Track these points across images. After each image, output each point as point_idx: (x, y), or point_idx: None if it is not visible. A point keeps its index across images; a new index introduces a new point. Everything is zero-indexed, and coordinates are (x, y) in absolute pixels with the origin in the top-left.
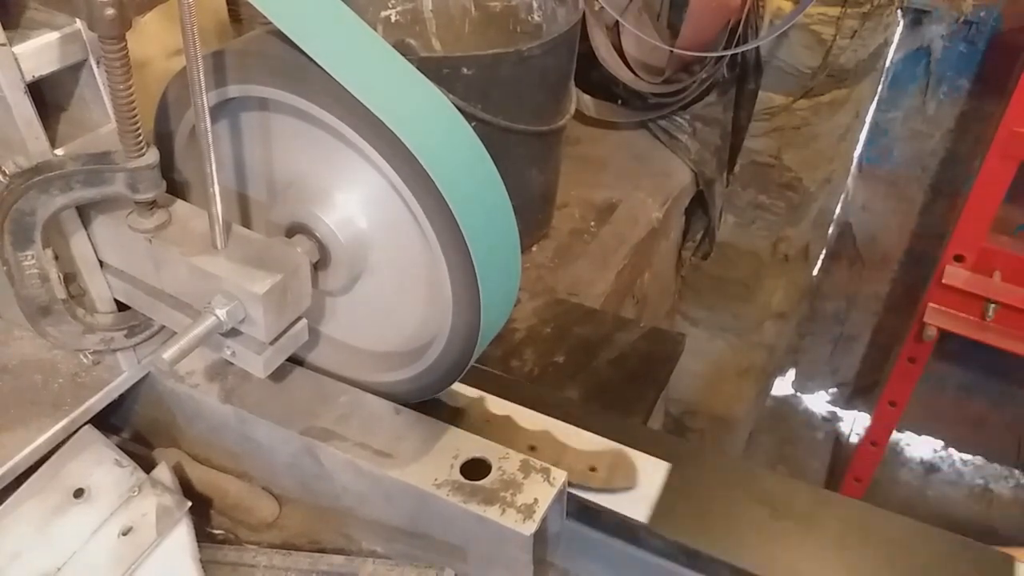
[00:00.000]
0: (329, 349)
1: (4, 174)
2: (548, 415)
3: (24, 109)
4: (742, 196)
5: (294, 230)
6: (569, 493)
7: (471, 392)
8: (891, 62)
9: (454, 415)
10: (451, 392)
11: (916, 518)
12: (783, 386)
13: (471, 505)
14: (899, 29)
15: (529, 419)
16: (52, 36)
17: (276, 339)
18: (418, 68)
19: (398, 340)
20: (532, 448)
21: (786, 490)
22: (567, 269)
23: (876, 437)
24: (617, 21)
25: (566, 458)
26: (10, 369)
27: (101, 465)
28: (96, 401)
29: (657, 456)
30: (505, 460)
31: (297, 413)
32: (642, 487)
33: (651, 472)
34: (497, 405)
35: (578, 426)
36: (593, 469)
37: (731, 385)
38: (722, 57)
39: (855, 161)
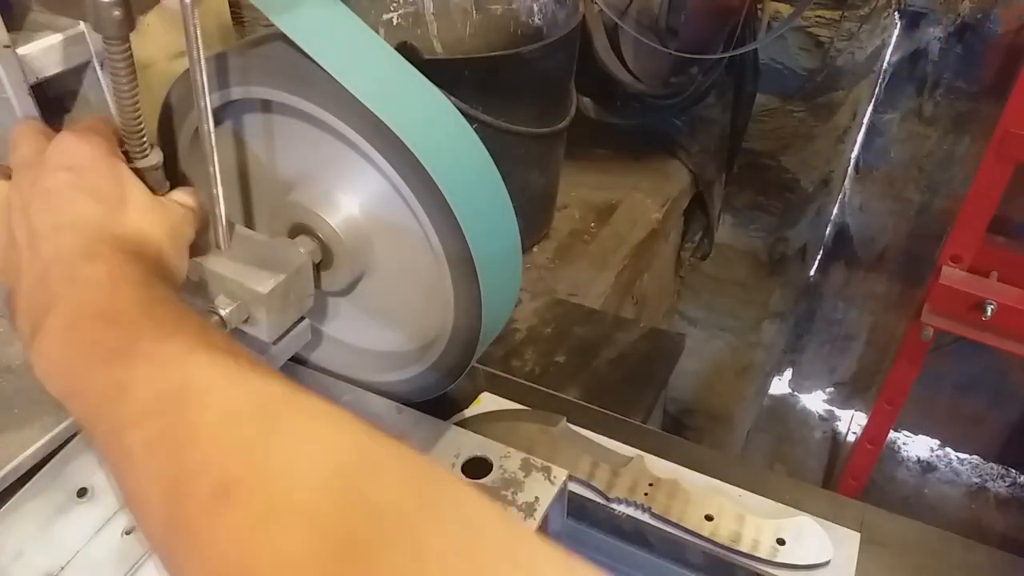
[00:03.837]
0: (331, 349)
1: (9, 177)
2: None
3: (28, 110)
4: (740, 197)
5: (297, 230)
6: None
7: (629, 451)
8: (888, 64)
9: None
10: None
11: (913, 517)
12: (781, 385)
13: None
14: (896, 31)
15: (696, 482)
16: (56, 38)
17: (279, 339)
18: (420, 70)
19: (400, 340)
20: (709, 518)
21: (987, 558)
22: (567, 269)
23: (873, 436)
24: (616, 24)
25: (748, 530)
26: (13, 369)
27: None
28: None
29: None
30: (506, 459)
31: None
32: (836, 563)
33: (841, 542)
34: (660, 467)
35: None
36: (780, 542)
37: (729, 384)
38: (720, 59)
39: (852, 162)
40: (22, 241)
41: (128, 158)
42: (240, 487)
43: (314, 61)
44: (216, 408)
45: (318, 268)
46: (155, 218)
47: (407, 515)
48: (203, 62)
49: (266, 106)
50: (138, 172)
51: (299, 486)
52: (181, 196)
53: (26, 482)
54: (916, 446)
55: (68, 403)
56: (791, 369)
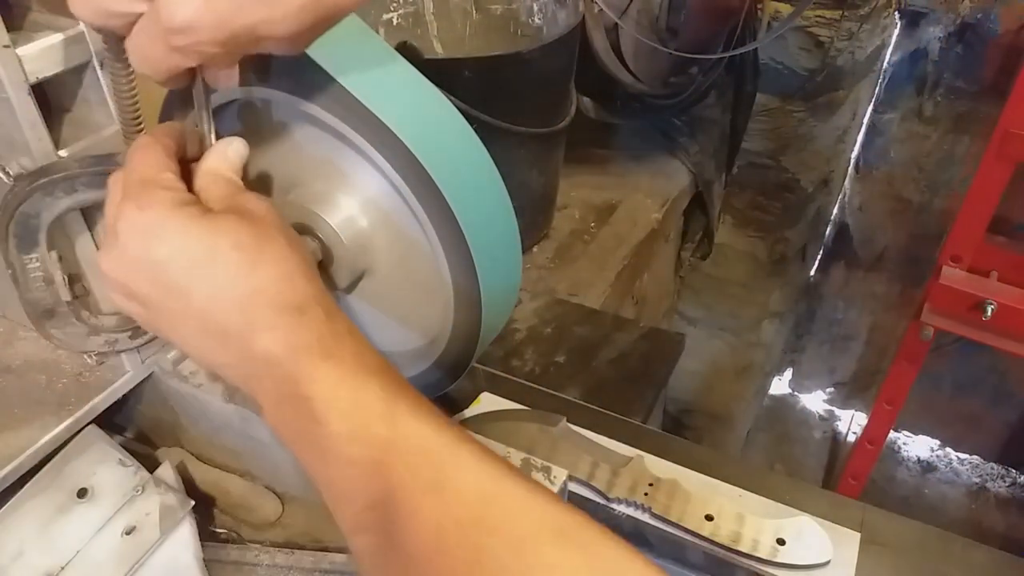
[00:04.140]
0: None
1: (8, 175)
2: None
3: (28, 110)
4: (740, 197)
5: (297, 230)
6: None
7: (629, 451)
8: (888, 64)
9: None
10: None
11: (913, 517)
12: (780, 385)
13: None
14: (896, 31)
15: (696, 482)
16: (56, 38)
17: None
18: (420, 71)
19: (400, 340)
20: (709, 518)
21: (987, 558)
22: (567, 269)
23: (873, 436)
24: (616, 24)
25: (749, 530)
26: (14, 369)
27: (104, 464)
28: (100, 401)
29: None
30: (506, 459)
31: None
32: (836, 564)
33: (841, 543)
34: (660, 467)
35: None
36: (780, 542)
37: (729, 384)
38: (720, 59)
39: (852, 162)
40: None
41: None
42: None
43: (314, 61)
44: (423, 532)
45: (318, 268)
46: (260, 239)
47: None
48: None
49: (265, 106)
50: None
51: None
52: (217, 179)
53: (26, 482)
54: (916, 446)
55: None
56: (791, 369)
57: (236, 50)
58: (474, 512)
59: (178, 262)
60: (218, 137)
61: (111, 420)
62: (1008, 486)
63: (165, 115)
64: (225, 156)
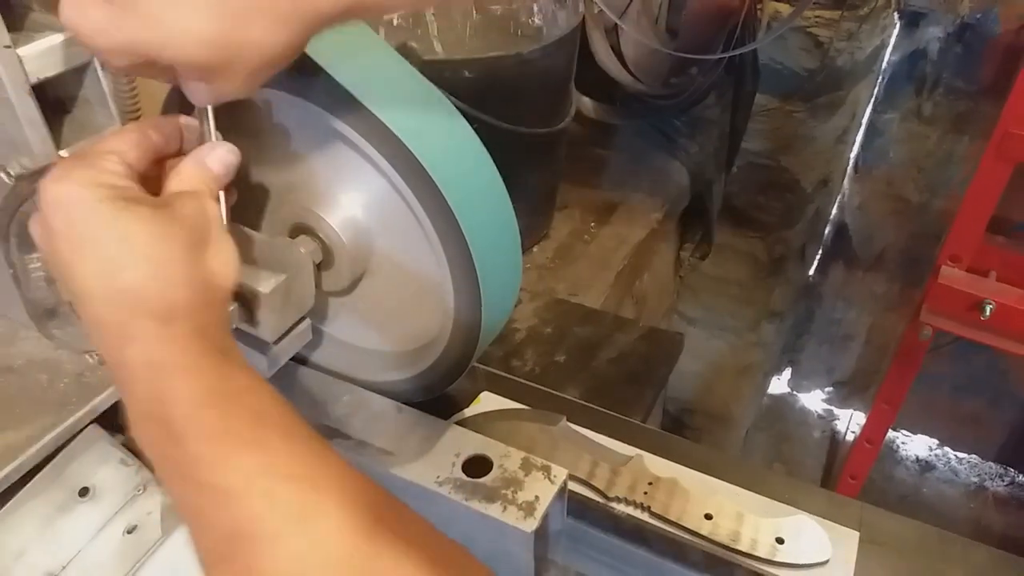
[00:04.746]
0: (332, 349)
1: (9, 175)
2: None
3: (29, 111)
4: (740, 197)
5: (297, 230)
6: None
7: (629, 450)
8: (888, 64)
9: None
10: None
11: (912, 516)
12: (780, 385)
13: (472, 503)
14: (896, 31)
15: (695, 481)
16: (56, 38)
17: (280, 339)
18: (420, 71)
19: (400, 340)
20: (708, 517)
21: (986, 558)
22: (567, 269)
23: (872, 435)
24: (616, 24)
25: (748, 529)
26: (15, 369)
27: (106, 464)
28: (101, 400)
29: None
30: (506, 458)
31: (300, 412)
32: (835, 563)
33: (840, 542)
34: (659, 466)
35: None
36: (779, 541)
37: (728, 384)
38: (720, 60)
39: (851, 162)
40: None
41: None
42: None
43: (314, 61)
44: (284, 563)
45: (319, 268)
46: (166, 245)
47: None
48: None
49: (266, 106)
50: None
51: None
52: (181, 182)
53: (27, 482)
54: (915, 445)
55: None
56: (790, 368)
57: (144, 66)
58: (338, 554)
59: (67, 236)
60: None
61: (113, 420)
62: (1006, 485)
63: (166, 115)
64: (201, 162)
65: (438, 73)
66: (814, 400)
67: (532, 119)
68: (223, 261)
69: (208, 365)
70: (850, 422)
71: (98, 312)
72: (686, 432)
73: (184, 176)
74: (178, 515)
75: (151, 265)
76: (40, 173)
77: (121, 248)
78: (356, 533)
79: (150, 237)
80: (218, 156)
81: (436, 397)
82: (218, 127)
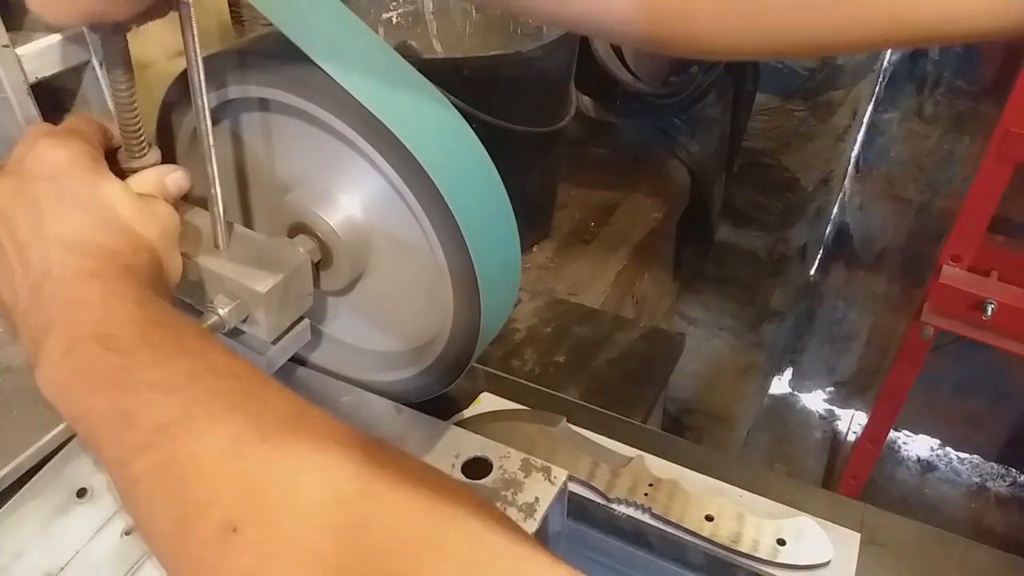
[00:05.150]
0: (331, 349)
1: None
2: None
3: (28, 110)
4: (740, 197)
5: (296, 230)
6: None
7: (629, 451)
8: (888, 63)
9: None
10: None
11: (913, 517)
12: (781, 385)
13: None
14: None
15: (696, 482)
16: (55, 38)
17: (279, 339)
18: (419, 70)
19: (399, 340)
20: (709, 518)
21: (988, 558)
22: (567, 269)
23: (873, 436)
24: None
25: (749, 530)
26: (13, 369)
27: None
28: None
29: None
30: (506, 459)
31: None
32: (836, 564)
33: (842, 543)
34: (660, 467)
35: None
36: (781, 542)
37: (729, 384)
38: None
39: (852, 162)
40: (11, 255)
41: (126, 158)
42: (245, 525)
43: (312, 60)
44: (218, 438)
45: (317, 268)
46: (143, 220)
47: (409, 551)
48: (200, 61)
49: (264, 105)
50: (136, 172)
51: (302, 523)
52: (144, 185)
53: (26, 482)
54: (916, 446)
55: (75, 426)
56: (791, 369)
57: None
58: (280, 422)
59: (50, 189)
60: (211, 143)
61: None
62: (1008, 485)
63: (164, 115)
64: (162, 175)
65: (437, 72)
66: (815, 400)
67: (532, 118)
68: (172, 264)
69: (163, 306)
70: (851, 422)
71: (59, 257)
72: (687, 432)
73: (144, 181)
74: (85, 439)
75: (125, 230)
76: None
77: (107, 209)
78: (297, 416)
79: (123, 194)
80: (175, 177)
81: (435, 398)
82: (215, 125)
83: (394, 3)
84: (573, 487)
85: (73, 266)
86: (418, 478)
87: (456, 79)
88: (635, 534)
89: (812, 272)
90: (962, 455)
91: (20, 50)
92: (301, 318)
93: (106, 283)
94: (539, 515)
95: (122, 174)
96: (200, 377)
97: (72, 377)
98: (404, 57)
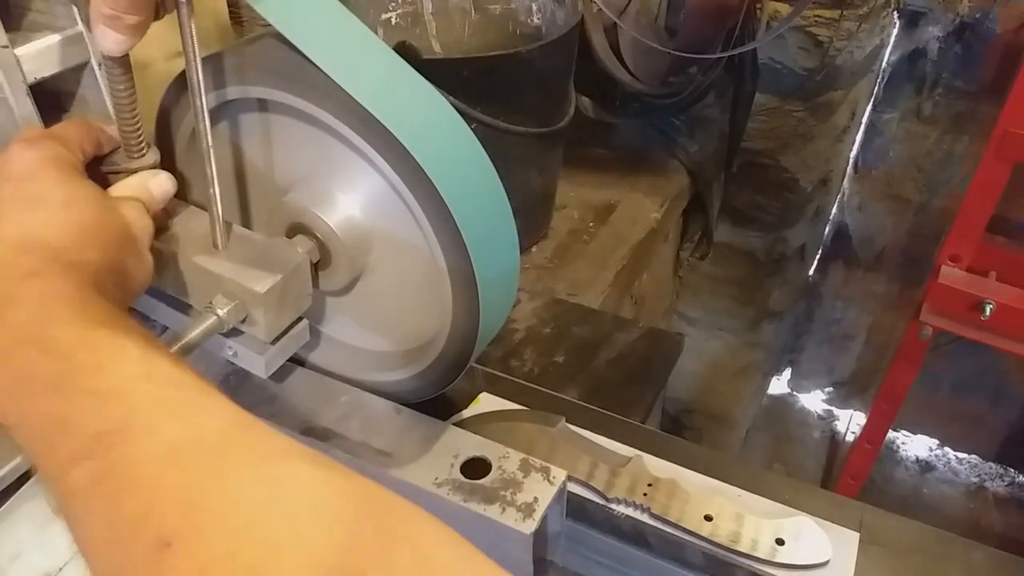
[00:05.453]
0: (330, 349)
1: None
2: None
3: (26, 110)
4: (739, 197)
5: (295, 230)
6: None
7: (628, 451)
8: (887, 63)
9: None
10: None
11: (912, 517)
12: (779, 385)
13: (471, 504)
14: (895, 30)
15: (695, 482)
16: (54, 38)
17: (277, 339)
18: (418, 70)
19: (398, 340)
20: (708, 518)
21: (986, 558)
22: (566, 269)
23: (872, 436)
24: (615, 23)
25: (748, 530)
26: None
27: None
28: None
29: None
30: (505, 459)
31: (298, 413)
32: (835, 563)
33: (840, 543)
34: (659, 467)
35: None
36: (780, 542)
37: (728, 384)
38: (720, 59)
39: (851, 162)
40: None
41: (125, 158)
42: (181, 542)
43: (311, 61)
44: (156, 448)
45: (316, 268)
46: (101, 220)
47: (356, 566)
48: (199, 62)
49: (263, 105)
50: (135, 172)
51: (240, 538)
52: (125, 189)
53: (25, 483)
54: (915, 446)
55: (13, 434)
56: (790, 369)
57: None
58: (216, 435)
59: (14, 189)
60: (210, 144)
61: None
62: (1007, 485)
63: (163, 115)
64: (145, 180)
65: (436, 72)
66: (814, 400)
67: (531, 118)
68: (137, 267)
69: (105, 308)
70: (850, 422)
71: (6, 256)
72: (686, 432)
73: (127, 185)
74: (23, 448)
75: (79, 228)
76: None
77: (63, 207)
78: (238, 427)
79: (84, 192)
80: (159, 181)
81: (434, 398)
82: (214, 125)
83: (393, 3)
84: (572, 487)
85: (13, 265)
86: (367, 491)
87: (455, 79)
88: (634, 534)
89: (811, 272)
90: (960, 455)
91: (19, 50)
92: (300, 318)
93: (45, 282)
94: (538, 515)
95: (114, 176)
96: (139, 382)
97: (9, 381)
98: (403, 58)
